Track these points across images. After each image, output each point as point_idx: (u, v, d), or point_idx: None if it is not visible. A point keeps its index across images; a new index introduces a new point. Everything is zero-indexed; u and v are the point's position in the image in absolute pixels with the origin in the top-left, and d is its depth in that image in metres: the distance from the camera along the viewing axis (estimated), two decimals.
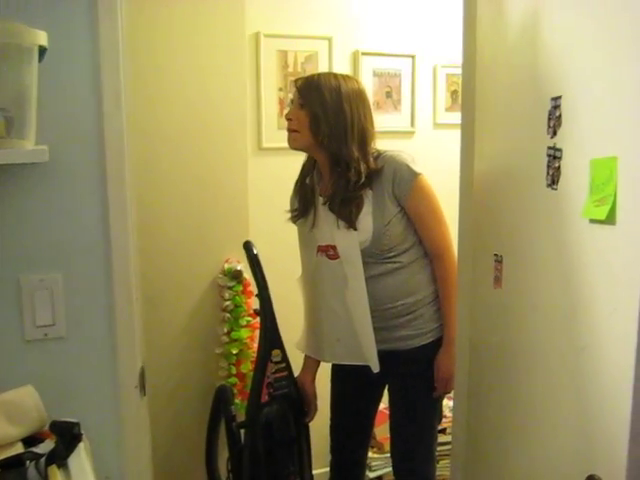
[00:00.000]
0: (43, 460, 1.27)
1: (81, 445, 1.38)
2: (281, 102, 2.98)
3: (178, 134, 2.58)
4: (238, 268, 2.64)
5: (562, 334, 1.42)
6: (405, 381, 2.22)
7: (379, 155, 2.10)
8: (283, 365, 2.31)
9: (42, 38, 1.31)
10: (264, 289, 2.30)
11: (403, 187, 2.04)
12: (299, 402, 2.36)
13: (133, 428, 1.65)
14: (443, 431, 3.01)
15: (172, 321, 2.66)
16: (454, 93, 3.41)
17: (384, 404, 2.49)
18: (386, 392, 2.38)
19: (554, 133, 1.41)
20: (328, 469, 2.51)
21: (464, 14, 1.89)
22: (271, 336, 2.30)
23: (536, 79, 1.50)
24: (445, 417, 2.95)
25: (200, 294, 2.71)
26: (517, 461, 1.68)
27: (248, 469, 2.34)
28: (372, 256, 2.09)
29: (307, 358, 2.37)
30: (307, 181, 2.20)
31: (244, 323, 2.69)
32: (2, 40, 1.25)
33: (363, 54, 3.17)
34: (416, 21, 3.28)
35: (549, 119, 1.43)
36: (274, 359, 2.29)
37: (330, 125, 2.06)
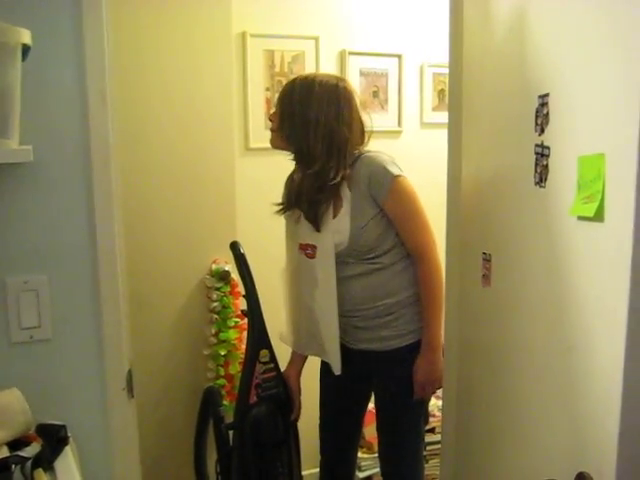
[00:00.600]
0: (29, 464, 1.26)
1: (68, 448, 1.37)
2: (268, 102, 2.97)
3: (164, 134, 2.57)
4: (226, 269, 2.63)
5: (551, 332, 1.42)
6: (389, 382, 2.22)
7: (359, 156, 2.09)
8: (271, 365, 2.30)
9: (26, 36, 1.30)
10: (251, 290, 2.29)
11: (380, 188, 2.02)
12: (288, 403, 2.35)
13: (121, 430, 1.64)
14: (432, 430, 3.02)
15: (159, 322, 2.65)
16: (441, 92, 3.42)
17: (373, 403, 2.48)
18: None
19: (542, 131, 1.41)
20: (318, 469, 2.50)
21: (450, 13, 1.89)
22: (259, 336, 2.30)
23: (523, 77, 1.51)
24: (434, 416, 2.95)
25: (187, 295, 2.70)
26: (507, 460, 1.68)
27: (237, 470, 2.33)
28: (352, 256, 2.08)
29: (293, 352, 2.37)
30: (294, 176, 2.20)
31: (232, 324, 2.68)
32: None
33: (350, 54, 3.17)
34: (403, 21, 3.28)
35: (537, 117, 1.43)
36: (262, 359, 2.28)
37: (293, 123, 2.06)
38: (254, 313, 2.30)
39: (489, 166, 1.76)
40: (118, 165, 1.62)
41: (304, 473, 2.52)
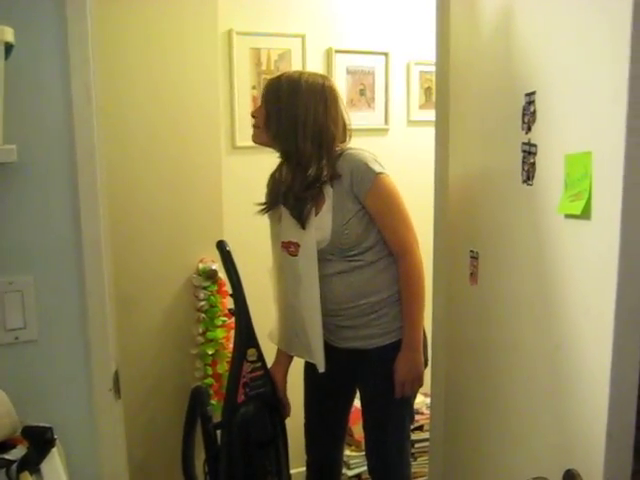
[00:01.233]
0: (15, 467, 1.25)
1: (54, 450, 1.35)
2: (254, 100, 2.96)
3: (150, 133, 2.55)
4: (213, 268, 2.62)
5: (538, 330, 1.43)
6: (374, 380, 2.22)
7: (342, 153, 2.08)
8: (259, 364, 2.29)
9: (8, 35, 1.29)
10: (238, 288, 2.28)
11: (361, 185, 2.02)
12: (276, 401, 2.34)
13: (108, 432, 1.62)
14: (421, 428, 3.03)
15: (146, 322, 2.63)
16: (428, 90, 3.42)
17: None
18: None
19: (529, 129, 1.42)
20: (305, 468, 2.50)
21: (437, 11, 1.89)
22: (246, 335, 2.29)
23: (510, 75, 1.51)
24: (423, 414, 2.96)
25: (175, 294, 2.68)
26: (495, 457, 1.69)
27: (225, 470, 2.32)
28: (334, 253, 2.08)
29: (279, 351, 2.36)
30: (277, 175, 2.19)
31: (219, 323, 2.67)
32: None
33: (336, 52, 3.17)
34: (389, 19, 3.28)
35: (523, 115, 1.43)
36: (250, 358, 2.27)
37: (281, 122, 2.06)
38: (241, 312, 2.29)
39: (476, 164, 1.77)
40: (104, 164, 1.61)
41: (292, 472, 2.52)
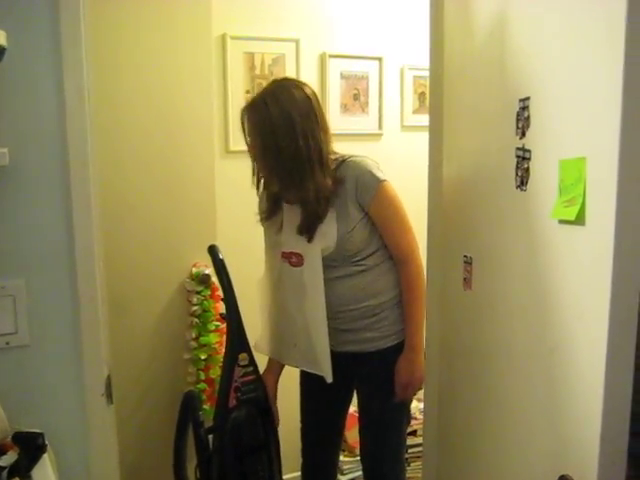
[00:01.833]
0: (5, 473, 1.24)
1: (45, 456, 1.35)
2: None
3: (143, 137, 2.54)
4: (206, 272, 2.61)
5: (532, 335, 1.43)
6: (372, 384, 2.22)
7: (343, 161, 2.07)
8: (251, 369, 2.28)
9: (1, 37, 1.28)
10: (229, 292, 2.27)
11: (366, 194, 2.03)
12: (268, 406, 2.33)
13: (100, 437, 1.61)
14: (414, 433, 3.03)
15: (139, 327, 2.62)
16: (421, 95, 3.43)
17: (355, 407, 2.48)
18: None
19: (523, 134, 1.42)
20: (299, 473, 2.49)
21: (431, 16, 1.89)
22: (238, 340, 2.28)
23: (504, 80, 1.51)
24: (416, 419, 2.96)
25: (167, 299, 2.67)
26: (489, 462, 1.68)
27: (217, 475, 2.31)
28: (337, 259, 2.08)
29: (270, 360, 2.35)
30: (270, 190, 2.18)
31: (212, 328, 2.66)
32: None
33: (330, 56, 3.17)
34: (383, 23, 3.29)
35: (517, 120, 1.43)
36: (241, 363, 2.26)
37: (281, 156, 1.99)
38: (232, 316, 2.28)
39: (470, 169, 1.76)
40: (97, 167, 1.60)
41: (285, 477, 2.51)
